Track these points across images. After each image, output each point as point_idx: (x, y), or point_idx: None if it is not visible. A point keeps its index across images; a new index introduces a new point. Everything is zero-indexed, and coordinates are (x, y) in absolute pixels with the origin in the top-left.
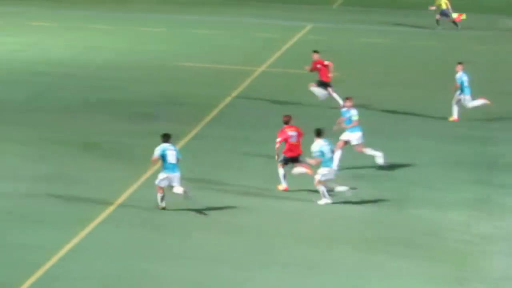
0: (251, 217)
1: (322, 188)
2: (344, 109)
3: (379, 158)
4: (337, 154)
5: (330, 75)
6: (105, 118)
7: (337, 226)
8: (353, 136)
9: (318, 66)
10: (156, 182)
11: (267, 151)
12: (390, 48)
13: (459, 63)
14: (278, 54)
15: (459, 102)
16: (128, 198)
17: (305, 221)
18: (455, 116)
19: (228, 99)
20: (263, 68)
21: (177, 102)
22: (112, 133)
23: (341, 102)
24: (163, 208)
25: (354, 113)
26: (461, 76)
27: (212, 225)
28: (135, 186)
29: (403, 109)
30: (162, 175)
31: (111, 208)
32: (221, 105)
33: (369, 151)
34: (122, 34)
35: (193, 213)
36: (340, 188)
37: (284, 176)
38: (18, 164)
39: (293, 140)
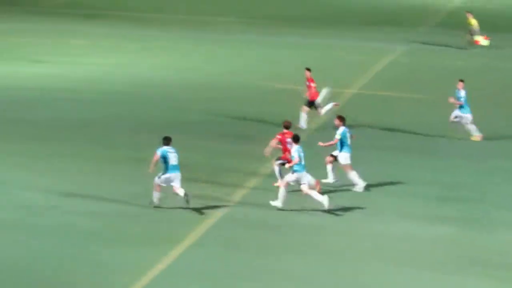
0: (335, 237)
1: (283, 191)
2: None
3: (360, 188)
4: (329, 167)
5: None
6: (198, 138)
7: (422, 247)
8: (340, 155)
9: (306, 83)
10: (156, 180)
11: (360, 171)
12: (480, 70)
13: (461, 80)
14: (368, 76)
15: (470, 120)
16: (217, 218)
17: (389, 241)
18: (477, 134)
19: (319, 121)
20: (353, 90)
21: (269, 123)
22: (204, 154)
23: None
24: (157, 206)
25: (337, 132)
26: (464, 93)
27: (294, 244)
28: (225, 207)
29: (485, 131)
30: (164, 176)
31: (200, 228)
32: (313, 126)
33: (354, 176)
34: (204, 54)
35: (279, 233)
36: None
37: (280, 174)
38: (107, 183)
39: (289, 146)
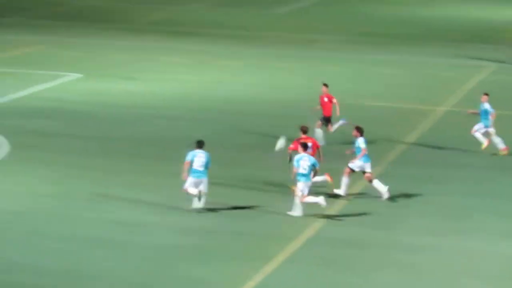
0: (431, 256)
1: (311, 199)
2: (354, 138)
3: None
4: (377, 184)
5: (337, 112)
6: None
7: None
8: (358, 164)
9: (325, 99)
10: (184, 186)
11: (451, 190)
12: None
13: (485, 94)
14: (460, 94)
15: (486, 132)
16: (309, 235)
17: (485, 260)
18: (485, 143)
19: (410, 138)
20: (445, 107)
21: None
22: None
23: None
24: (198, 209)
25: (360, 142)
26: (487, 107)
27: (386, 263)
28: (317, 224)
29: None
30: (189, 180)
31: (292, 245)
32: (404, 144)
33: (343, 186)
34: (306, 72)
35: (371, 251)
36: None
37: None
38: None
39: (308, 150)
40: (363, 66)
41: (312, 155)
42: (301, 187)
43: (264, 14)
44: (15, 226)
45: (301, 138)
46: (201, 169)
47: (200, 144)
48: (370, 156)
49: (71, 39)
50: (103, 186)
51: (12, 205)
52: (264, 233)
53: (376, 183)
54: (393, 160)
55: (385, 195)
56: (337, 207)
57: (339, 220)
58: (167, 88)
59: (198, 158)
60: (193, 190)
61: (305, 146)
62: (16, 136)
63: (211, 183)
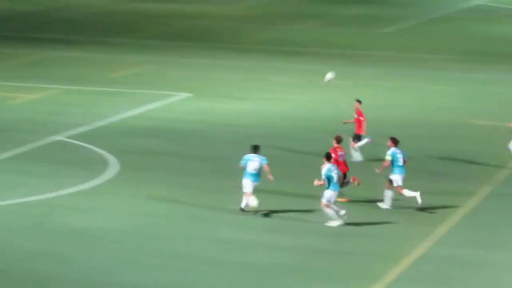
0: None
1: (329, 211)
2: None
3: (418, 198)
4: (387, 193)
5: (356, 130)
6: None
7: None
8: (393, 177)
9: (355, 116)
10: (242, 189)
11: None
12: None
13: None
14: None
15: None
16: (416, 255)
17: None
18: None
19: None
20: None
21: (469, 161)
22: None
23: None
24: (256, 210)
25: (387, 153)
26: None
27: (500, 285)
28: (424, 243)
29: None
30: (245, 182)
31: (400, 265)
32: None
33: (407, 192)
34: (412, 91)
35: (480, 271)
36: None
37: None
38: (299, 219)
39: (341, 159)
40: (470, 84)
41: (345, 161)
42: (330, 195)
43: (371, 33)
44: (123, 245)
45: (336, 148)
46: (255, 172)
47: (255, 149)
48: (484, 176)
49: (180, 59)
50: (204, 204)
51: (119, 224)
52: (370, 252)
53: (408, 193)
54: (503, 180)
55: (419, 199)
56: (446, 226)
57: (448, 239)
58: (275, 108)
59: (253, 162)
60: (250, 194)
61: (329, 157)
62: (125, 155)
63: (309, 199)
